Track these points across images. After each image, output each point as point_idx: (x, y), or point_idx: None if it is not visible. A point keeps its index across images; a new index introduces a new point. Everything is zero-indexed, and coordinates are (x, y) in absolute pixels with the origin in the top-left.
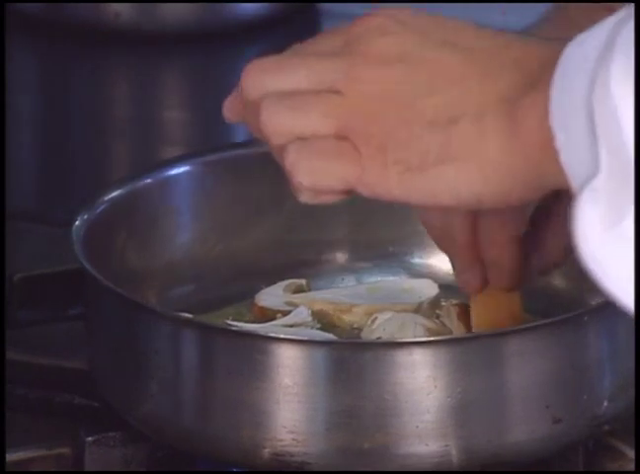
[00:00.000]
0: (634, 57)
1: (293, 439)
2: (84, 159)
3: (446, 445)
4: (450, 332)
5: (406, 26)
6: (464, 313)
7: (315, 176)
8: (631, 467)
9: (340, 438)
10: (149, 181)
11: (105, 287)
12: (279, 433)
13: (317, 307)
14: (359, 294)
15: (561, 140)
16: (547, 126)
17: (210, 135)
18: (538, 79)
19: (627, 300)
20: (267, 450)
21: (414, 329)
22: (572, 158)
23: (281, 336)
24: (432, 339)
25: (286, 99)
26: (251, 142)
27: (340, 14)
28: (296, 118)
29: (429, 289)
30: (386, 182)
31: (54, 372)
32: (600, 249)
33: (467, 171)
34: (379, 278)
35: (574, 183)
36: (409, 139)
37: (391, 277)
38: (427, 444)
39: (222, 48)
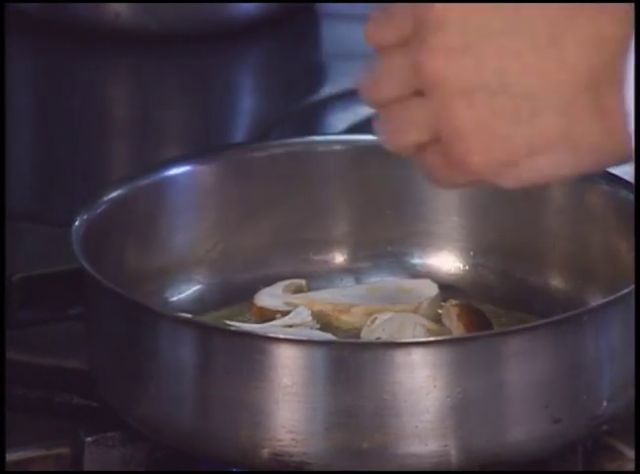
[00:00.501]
0: (634, 57)
1: (292, 439)
2: (84, 159)
3: (446, 445)
4: (450, 332)
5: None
6: (464, 313)
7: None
8: (630, 467)
9: (339, 438)
10: (148, 181)
11: (104, 287)
12: (278, 432)
13: (316, 307)
14: (358, 295)
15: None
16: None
17: (210, 135)
18: (615, 57)
19: None
20: (266, 450)
21: (413, 329)
22: None
23: (281, 336)
24: (431, 339)
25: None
26: (250, 142)
27: (339, 14)
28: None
29: (428, 290)
30: (492, 178)
31: (54, 372)
32: None
33: (558, 159)
34: (379, 279)
35: None
36: (494, 140)
37: (391, 278)
38: (426, 444)
39: (222, 49)
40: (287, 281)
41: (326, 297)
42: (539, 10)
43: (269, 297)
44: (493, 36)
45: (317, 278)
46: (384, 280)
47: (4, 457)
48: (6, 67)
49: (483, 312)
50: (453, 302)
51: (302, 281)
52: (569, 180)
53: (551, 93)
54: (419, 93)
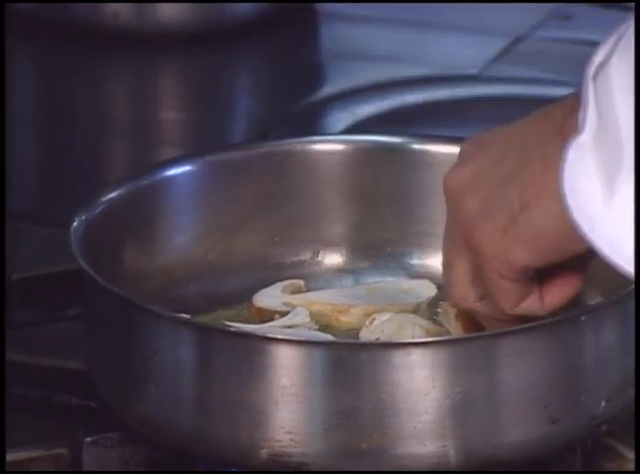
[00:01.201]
0: (634, 58)
1: (291, 440)
2: (83, 159)
3: (444, 446)
4: (448, 333)
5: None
6: (462, 314)
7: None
8: (629, 467)
9: (338, 439)
10: (147, 181)
11: (103, 288)
12: (276, 433)
13: (315, 308)
14: (357, 295)
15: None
16: None
17: (208, 136)
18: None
19: (612, 255)
20: (265, 451)
21: (412, 330)
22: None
23: (279, 336)
24: (430, 340)
25: None
26: (248, 143)
27: (337, 14)
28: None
29: (427, 290)
30: (499, 253)
31: (53, 373)
32: (592, 211)
33: (545, 203)
34: (378, 279)
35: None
36: (496, 204)
37: (389, 278)
38: (425, 445)
39: (221, 49)
40: (286, 282)
41: (325, 298)
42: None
43: (267, 298)
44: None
45: (316, 279)
46: (383, 281)
47: (4, 458)
48: (5, 68)
49: None
50: (452, 302)
51: (301, 282)
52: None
53: (532, 149)
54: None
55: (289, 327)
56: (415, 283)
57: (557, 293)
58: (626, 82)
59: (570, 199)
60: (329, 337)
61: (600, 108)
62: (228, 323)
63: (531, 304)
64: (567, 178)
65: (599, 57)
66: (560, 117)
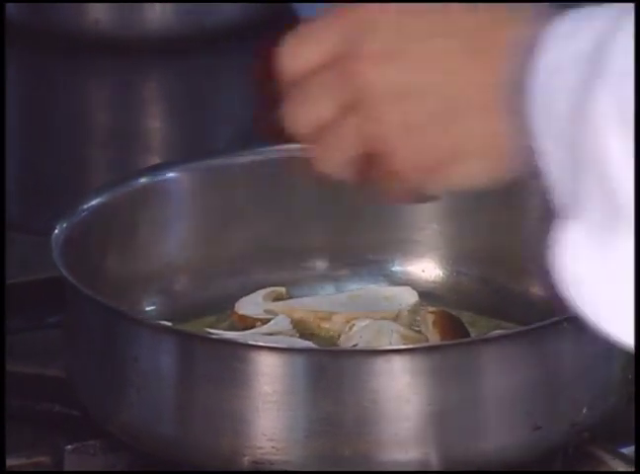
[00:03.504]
0: (634, 60)
1: (273, 447)
2: (65, 167)
3: (426, 452)
4: (426, 339)
5: (387, 23)
6: (439, 320)
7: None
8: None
9: (319, 446)
10: (129, 189)
11: (84, 295)
12: (258, 440)
13: (297, 315)
14: (339, 302)
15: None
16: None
17: (192, 143)
18: (528, 59)
19: (627, 339)
20: (246, 458)
21: (390, 336)
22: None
23: (261, 344)
24: (411, 346)
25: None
26: (232, 151)
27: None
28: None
29: (408, 297)
30: (417, 183)
31: (34, 380)
32: (591, 290)
33: (484, 164)
34: (359, 286)
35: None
36: (422, 146)
37: (371, 285)
38: (406, 451)
39: (203, 55)
40: (268, 289)
41: (307, 305)
42: (467, 15)
43: (249, 305)
44: (422, 39)
45: (298, 286)
46: (365, 288)
47: (4, 463)
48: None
49: (459, 319)
50: (430, 309)
51: (282, 289)
52: (497, 184)
53: (476, 95)
54: (346, 109)
55: (271, 334)
56: (396, 290)
57: None
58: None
59: (568, 285)
60: (310, 344)
61: (594, 173)
62: (210, 330)
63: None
64: (561, 262)
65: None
66: (525, 51)
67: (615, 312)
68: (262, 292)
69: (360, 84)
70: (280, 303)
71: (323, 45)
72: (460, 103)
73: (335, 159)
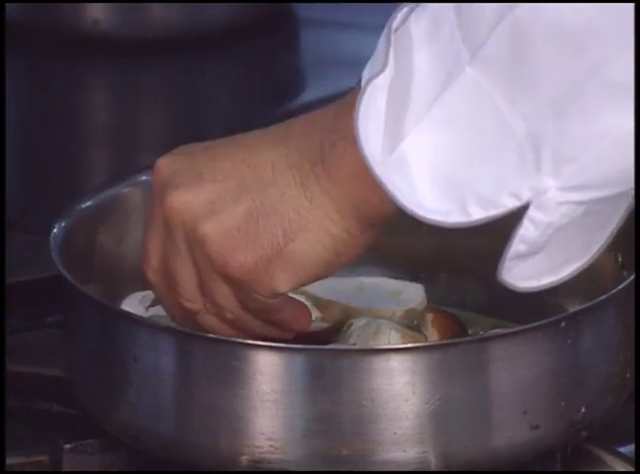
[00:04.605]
0: (634, 58)
1: (271, 446)
2: (63, 167)
3: (424, 452)
4: (425, 338)
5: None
6: (437, 319)
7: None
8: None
9: (318, 445)
10: (127, 187)
11: (83, 295)
12: (257, 439)
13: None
14: (345, 290)
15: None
16: (355, 155)
17: (189, 142)
18: (336, 125)
19: (416, 209)
20: (245, 457)
21: (388, 335)
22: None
23: (259, 343)
24: (410, 345)
25: None
26: None
27: (318, 20)
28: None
29: (414, 294)
30: (263, 281)
31: (32, 380)
32: (383, 170)
33: (313, 236)
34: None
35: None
36: (257, 237)
37: (379, 278)
38: (405, 451)
39: (200, 55)
40: None
41: (309, 290)
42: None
43: None
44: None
45: None
46: (373, 280)
47: (4, 461)
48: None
49: (457, 318)
50: (428, 308)
51: None
52: (358, 249)
53: (286, 181)
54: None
55: None
56: (405, 286)
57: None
58: (422, 36)
59: (361, 135)
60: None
61: (398, 59)
62: None
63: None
64: (361, 117)
65: (401, 14)
66: (318, 145)
67: (403, 188)
68: None
69: (174, 215)
70: None
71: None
72: (275, 194)
73: (182, 311)
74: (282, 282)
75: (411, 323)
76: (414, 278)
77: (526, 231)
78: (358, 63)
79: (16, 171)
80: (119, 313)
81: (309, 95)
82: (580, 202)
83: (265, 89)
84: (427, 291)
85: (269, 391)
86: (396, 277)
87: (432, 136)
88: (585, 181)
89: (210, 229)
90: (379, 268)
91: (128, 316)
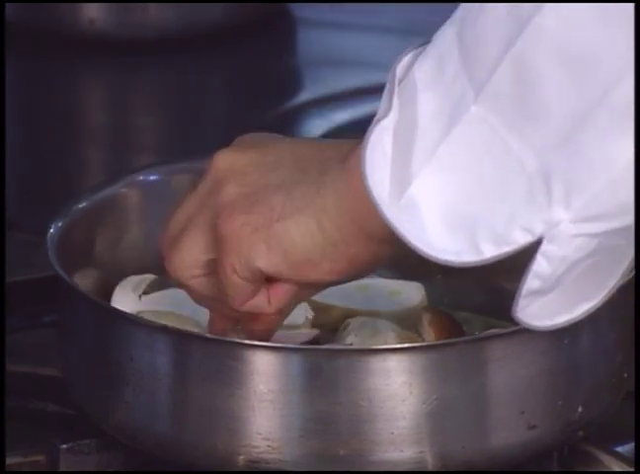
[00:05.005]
0: (634, 59)
1: (268, 446)
2: (61, 166)
3: (421, 452)
4: (422, 338)
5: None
6: (435, 319)
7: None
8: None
9: (315, 445)
10: (123, 188)
11: (79, 295)
12: (253, 439)
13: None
14: (345, 292)
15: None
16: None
17: (185, 142)
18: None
19: (427, 250)
20: (242, 457)
21: (385, 335)
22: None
23: (256, 343)
24: (407, 345)
25: None
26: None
27: (314, 21)
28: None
29: (414, 294)
30: (242, 246)
31: (29, 380)
32: (392, 212)
33: (305, 222)
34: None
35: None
36: (258, 203)
37: (380, 278)
38: (402, 451)
39: (197, 55)
40: None
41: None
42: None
43: None
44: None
45: None
46: (374, 280)
47: (4, 461)
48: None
49: (454, 318)
50: (425, 308)
51: None
52: (337, 257)
53: (313, 168)
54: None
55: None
56: (405, 286)
57: (283, 293)
58: (427, 78)
59: (369, 180)
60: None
61: (402, 101)
62: None
63: (258, 302)
64: (368, 161)
65: (407, 57)
66: (345, 149)
67: (414, 229)
68: None
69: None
70: None
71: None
72: (299, 175)
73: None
74: (260, 255)
75: (408, 324)
76: (410, 279)
77: (540, 266)
78: (354, 63)
79: (13, 169)
80: (115, 313)
81: (305, 95)
82: (594, 235)
83: (261, 89)
84: (426, 292)
85: (266, 391)
86: (393, 278)
87: (440, 177)
88: (597, 211)
89: (232, 189)
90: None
91: (125, 316)
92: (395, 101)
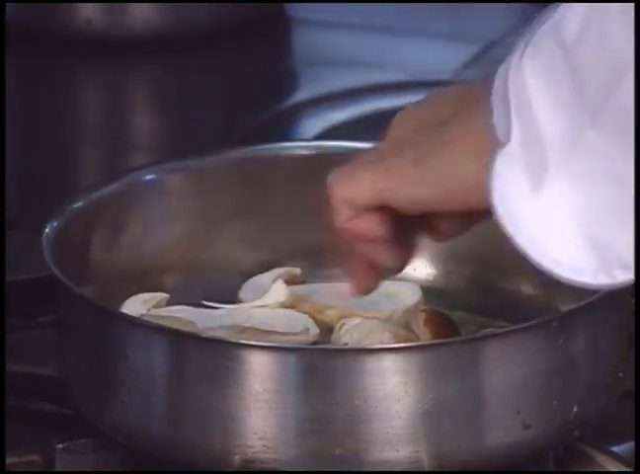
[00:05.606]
0: (634, 60)
1: (264, 446)
2: (57, 166)
3: (417, 451)
4: (417, 338)
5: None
6: (430, 319)
7: (349, 185)
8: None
9: (310, 445)
10: (119, 188)
11: (75, 294)
12: (249, 439)
13: (302, 305)
14: (340, 293)
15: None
16: None
17: (180, 142)
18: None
19: (539, 258)
20: (237, 457)
21: (381, 335)
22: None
23: (252, 343)
24: (402, 345)
25: None
26: (220, 149)
27: (310, 21)
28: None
29: (411, 295)
30: (403, 180)
31: (25, 380)
32: (520, 214)
33: (463, 149)
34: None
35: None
36: (418, 140)
37: None
38: (397, 450)
39: (192, 55)
40: (282, 269)
41: (306, 294)
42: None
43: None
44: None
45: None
46: None
47: (4, 461)
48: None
49: (450, 318)
50: (421, 308)
51: (297, 270)
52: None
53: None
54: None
55: (265, 307)
56: (401, 286)
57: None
58: (540, 83)
59: (500, 208)
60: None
61: (520, 112)
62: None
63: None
64: (496, 187)
65: (514, 59)
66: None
67: (543, 242)
68: (275, 272)
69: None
70: (290, 288)
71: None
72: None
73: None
74: (418, 187)
75: (404, 323)
76: (407, 279)
77: None
78: (350, 63)
79: (10, 169)
80: (111, 313)
81: (301, 95)
82: None
83: (257, 89)
84: (422, 291)
85: (261, 391)
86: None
87: (571, 191)
88: None
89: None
90: None
91: (121, 316)
92: (514, 121)
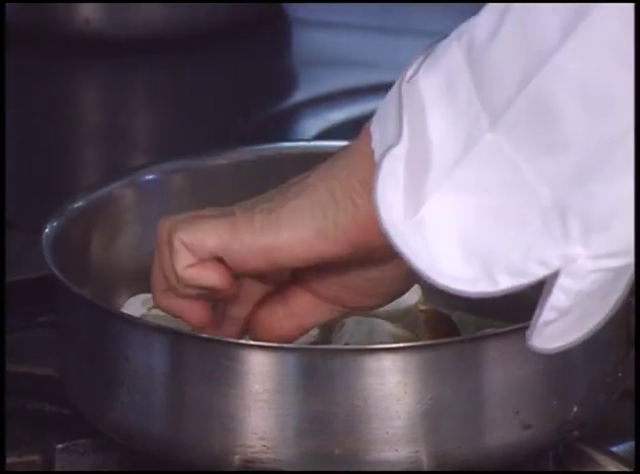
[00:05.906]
0: (634, 61)
1: (264, 446)
2: (57, 165)
3: (416, 451)
4: (417, 338)
5: None
6: (430, 319)
7: (194, 233)
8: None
9: (310, 445)
10: (119, 187)
11: (75, 294)
12: (249, 439)
13: None
14: None
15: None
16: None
17: (179, 142)
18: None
19: (433, 275)
20: (237, 457)
21: (381, 335)
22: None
23: (252, 342)
24: (402, 345)
25: None
26: (219, 149)
27: (309, 21)
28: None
29: (410, 295)
30: (252, 229)
31: (25, 380)
32: (403, 233)
33: (318, 195)
34: None
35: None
36: (268, 196)
37: None
38: (397, 450)
39: (192, 55)
40: None
41: None
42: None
43: None
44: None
45: None
46: None
47: (4, 460)
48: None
49: (450, 318)
50: (420, 308)
51: None
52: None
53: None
54: None
55: None
56: None
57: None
58: (435, 97)
59: (381, 211)
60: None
61: (412, 121)
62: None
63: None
64: (379, 188)
65: (410, 71)
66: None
67: (429, 257)
68: None
69: None
70: None
71: None
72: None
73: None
74: (268, 236)
75: (404, 323)
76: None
77: (557, 300)
78: (349, 63)
79: (10, 169)
80: (110, 313)
81: (300, 95)
82: (612, 269)
83: (256, 89)
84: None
85: (261, 391)
86: None
87: (453, 202)
88: (616, 248)
89: None
90: None
91: (120, 316)
92: (404, 122)
